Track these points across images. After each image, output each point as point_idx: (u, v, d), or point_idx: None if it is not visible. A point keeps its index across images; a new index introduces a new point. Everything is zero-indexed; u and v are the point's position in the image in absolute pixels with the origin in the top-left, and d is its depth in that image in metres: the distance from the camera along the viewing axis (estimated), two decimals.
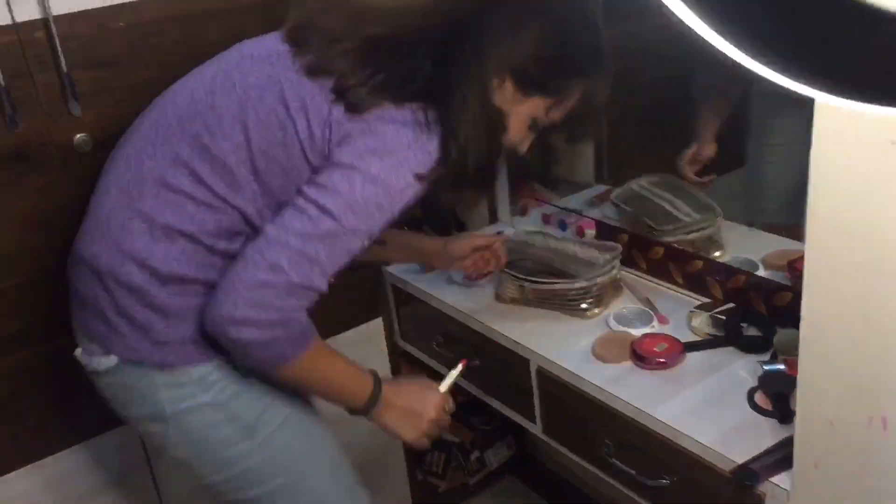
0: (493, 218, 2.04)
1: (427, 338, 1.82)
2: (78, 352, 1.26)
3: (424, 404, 1.34)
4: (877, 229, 0.90)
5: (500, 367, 1.62)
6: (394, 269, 1.87)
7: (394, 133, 1.12)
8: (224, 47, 1.29)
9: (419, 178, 1.13)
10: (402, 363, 2.03)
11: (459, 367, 1.46)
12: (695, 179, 1.74)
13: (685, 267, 1.61)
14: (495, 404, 1.69)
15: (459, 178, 1.18)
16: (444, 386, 1.41)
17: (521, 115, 1.22)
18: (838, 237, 0.94)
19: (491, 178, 1.29)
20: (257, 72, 1.17)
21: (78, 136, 1.43)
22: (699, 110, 1.78)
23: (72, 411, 1.57)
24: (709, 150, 1.74)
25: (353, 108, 1.12)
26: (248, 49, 1.23)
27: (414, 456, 2.13)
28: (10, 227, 1.42)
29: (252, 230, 1.18)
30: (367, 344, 1.94)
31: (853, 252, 0.93)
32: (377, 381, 1.28)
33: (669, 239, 1.67)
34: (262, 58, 1.19)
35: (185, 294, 1.17)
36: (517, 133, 1.25)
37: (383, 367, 2.00)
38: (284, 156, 1.14)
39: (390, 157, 1.11)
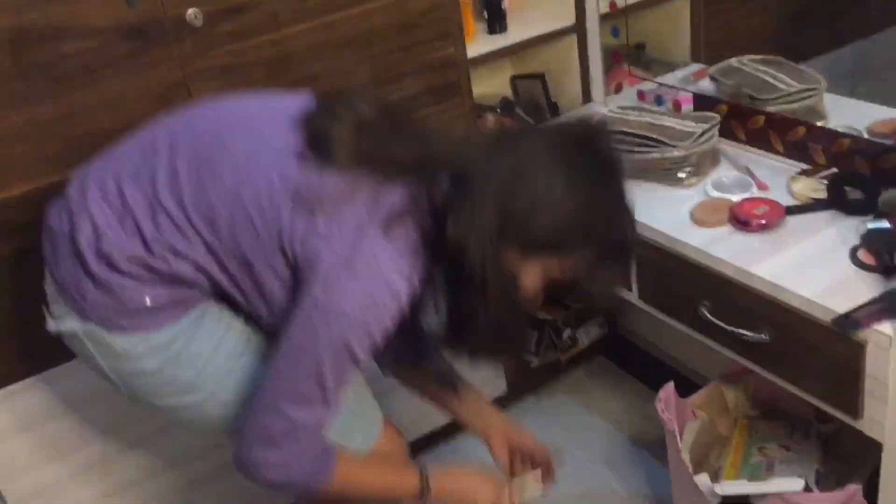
0: (588, 97, 2.04)
1: None
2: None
3: (475, 496, 1.32)
4: None
5: None
6: None
7: (369, 260, 1.07)
8: None
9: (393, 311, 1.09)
10: None
11: (536, 484, 1.40)
12: None
13: (786, 135, 1.60)
14: None
15: (492, 344, 1.17)
16: (514, 496, 1.36)
17: (533, 273, 1.12)
18: None
19: (521, 338, 1.26)
20: (263, 167, 1.12)
21: (190, 10, 1.48)
22: None
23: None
24: None
25: None
26: (279, 104, 1.21)
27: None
28: (132, 99, 1.49)
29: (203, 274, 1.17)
30: None
31: None
32: (423, 479, 1.27)
33: (770, 108, 1.65)
34: (277, 152, 1.13)
35: (117, 276, 1.16)
36: (531, 289, 1.15)
37: None
38: (260, 223, 1.11)
39: (359, 286, 1.07)
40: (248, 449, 1.14)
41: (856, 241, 1.33)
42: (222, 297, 1.21)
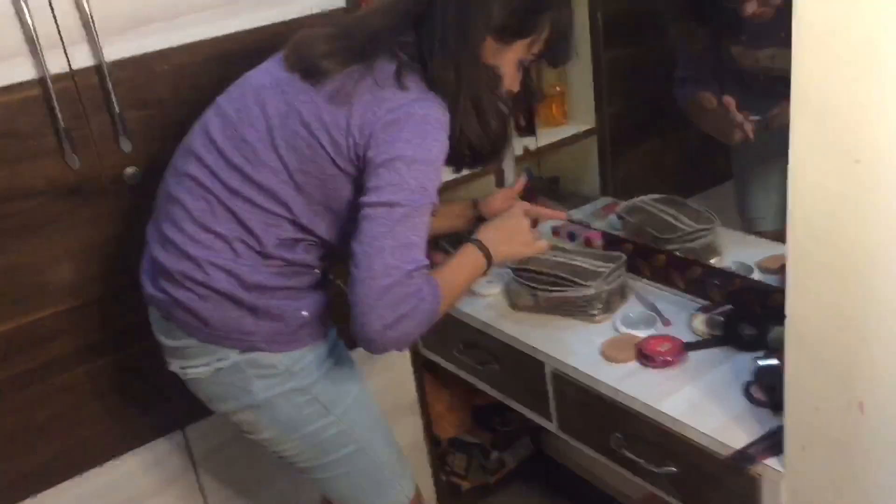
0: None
1: (448, 345, 1.95)
2: (174, 367, 1.43)
3: (514, 229, 1.50)
4: (848, 235, 1.03)
5: (517, 370, 1.75)
6: None
7: (407, 110, 1.26)
8: None
9: (443, 139, 1.29)
10: (424, 371, 2.16)
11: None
12: None
13: (686, 273, 1.74)
14: (514, 405, 1.82)
15: (481, 135, 1.35)
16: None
17: (509, 62, 1.37)
18: (815, 242, 1.07)
19: (506, 132, 1.42)
20: (273, 101, 1.32)
21: (128, 169, 1.57)
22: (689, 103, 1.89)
23: (124, 421, 1.71)
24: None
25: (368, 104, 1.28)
26: (256, 81, 1.38)
27: (437, 457, 2.25)
28: (68, 255, 1.56)
29: (308, 235, 1.35)
30: (391, 353, 2.06)
31: (828, 255, 1.06)
32: (481, 247, 1.44)
33: (671, 247, 1.80)
34: (273, 87, 1.34)
35: (266, 298, 1.34)
36: (510, 79, 1.39)
37: (406, 375, 2.13)
38: (317, 169, 1.30)
39: (416, 135, 1.26)
40: (378, 319, 1.23)
41: (749, 376, 1.45)
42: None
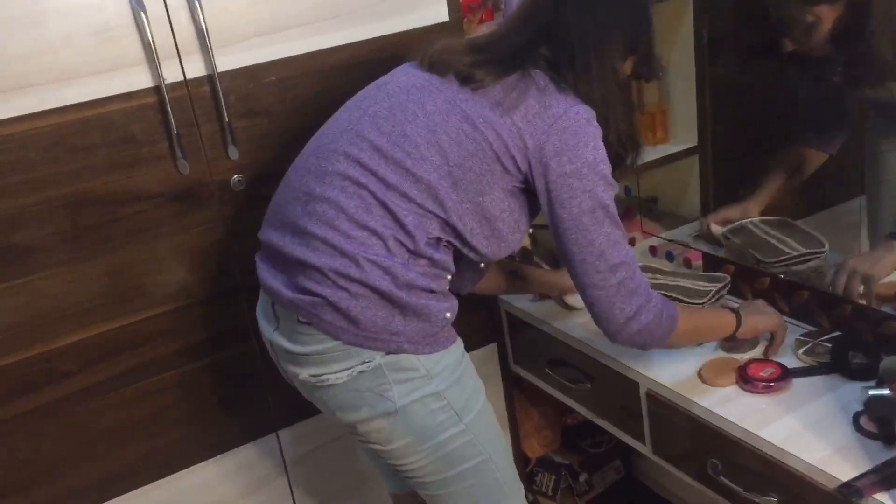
0: None
1: (539, 362, 1.93)
2: (304, 375, 1.40)
3: (764, 305, 1.64)
4: None
5: (610, 390, 1.72)
6: (507, 297, 1.99)
7: (575, 116, 1.34)
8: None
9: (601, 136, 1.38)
10: (513, 387, 2.14)
11: None
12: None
13: (791, 297, 1.68)
14: (606, 426, 1.79)
15: (622, 147, 1.43)
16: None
17: (626, 74, 1.47)
18: None
19: (638, 140, 1.50)
20: (431, 99, 1.36)
21: (234, 176, 1.62)
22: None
23: (218, 423, 1.75)
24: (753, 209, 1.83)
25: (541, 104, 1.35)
26: (404, 82, 1.42)
27: (525, 476, 2.23)
28: (175, 257, 1.62)
29: (454, 236, 1.38)
30: (482, 367, 2.05)
31: None
32: (737, 315, 1.55)
33: (775, 270, 1.74)
34: (425, 87, 1.39)
35: (416, 296, 1.35)
36: (626, 80, 1.47)
37: (496, 392, 2.12)
38: (478, 164, 1.34)
39: (590, 138, 1.35)
40: (619, 313, 1.38)
41: (858, 406, 1.39)
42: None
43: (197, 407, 1.72)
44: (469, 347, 1.94)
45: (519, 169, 1.36)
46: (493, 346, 2.08)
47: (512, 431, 2.19)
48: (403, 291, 1.33)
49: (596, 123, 1.37)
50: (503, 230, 1.41)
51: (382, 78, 1.48)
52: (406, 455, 1.42)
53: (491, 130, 1.33)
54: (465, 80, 1.38)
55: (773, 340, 1.59)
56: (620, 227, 1.39)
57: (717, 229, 1.80)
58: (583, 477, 2.24)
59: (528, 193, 1.40)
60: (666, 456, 1.63)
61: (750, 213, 1.83)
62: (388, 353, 1.35)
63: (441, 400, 1.39)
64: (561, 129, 1.33)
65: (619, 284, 1.37)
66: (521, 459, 2.23)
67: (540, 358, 1.94)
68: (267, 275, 1.41)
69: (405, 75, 1.45)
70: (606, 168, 1.37)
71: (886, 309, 1.54)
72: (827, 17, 1.54)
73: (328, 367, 1.37)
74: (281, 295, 1.37)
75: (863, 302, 1.59)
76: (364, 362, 1.35)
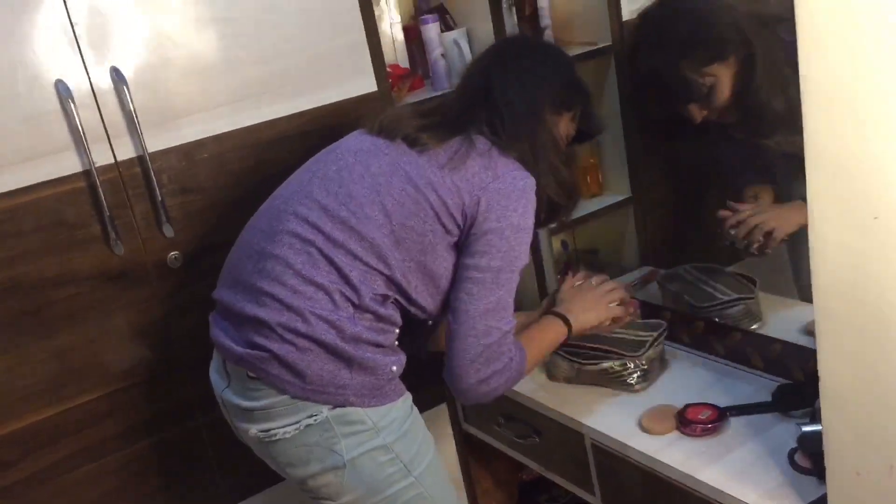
0: (543, 293, 2.17)
1: (489, 419, 1.94)
2: (253, 431, 1.41)
3: (592, 300, 1.67)
4: (872, 292, 1.02)
5: (558, 443, 1.73)
6: None
7: (512, 181, 1.41)
8: (291, 167, 1.51)
9: (535, 205, 1.44)
10: (467, 447, 2.14)
11: None
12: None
13: (725, 339, 1.72)
14: (557, 479, 1.79)
15: (558, 197, 1.51)
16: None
17: (560, 133, 1.56)
18: (840, 301, 1.06)
19: (577, 193, 1.58)
20: (376, 161, 1.42)
21: (171, 254, 1.63)
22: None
23: (170, 502, 1.73)
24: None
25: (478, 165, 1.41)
26: (352, 146, 1.49)
27: None
28: (115, 338, 1.61)
29: (398, 293, 1.41)
30: (434, 427, 2.05)
31: (854, 314, 1.05)
32: (563, 319, 1.62)
33: (710, 314, 1.78)
34: (372, 150, 1.45)
35: (362, 350, 1.37)
36: (564, 140, 1.56)
37: (450, 451, 2.11)
38: (419, 224, 1.39)
39: (521, 205, 1.41)
40: (474, 373, 1.41)
41: (794, 444, 1.41)
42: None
43: (142, 489, 1.69)
44: (420, 408, 1.94)
45: (458, 226, 1.41)
46: (443, 406, 2.09)
47: (468, 490, 2.18)
48: (350, 345, 1.35)
49: (532, 193, 1.42)
50: (447, 288, 1.45)
51: (334, 143, 1.53)
52: None
53: (432, 191, 1.39)
54: (412, 143, 1.44)
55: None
56: (512, 298, 1.43)
57: None
58: None
59: None
60: None
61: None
62: (335, 406, 1.36)
63: (389, 453, 1.40)
64: (496, 189, 1.39)
65: (486, 347, 1.40)
66: None
67: (490, 415, 1.95)
68: (219, 332, 1.44)
69: (355, 140, 1.51)
70: (528, 238, 1.42)
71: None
72: (723, 76, 1.61)
73: (276, 422, 1.38)
74: (231, 351, 1.40)
75: (759, 254, 1.69)
76: (311, 416, 1.36)
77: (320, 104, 1.76)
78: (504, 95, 1.49)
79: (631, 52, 1.91)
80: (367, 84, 1.81)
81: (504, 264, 1.40)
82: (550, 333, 1.61)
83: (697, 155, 1.89)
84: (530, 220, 1.43)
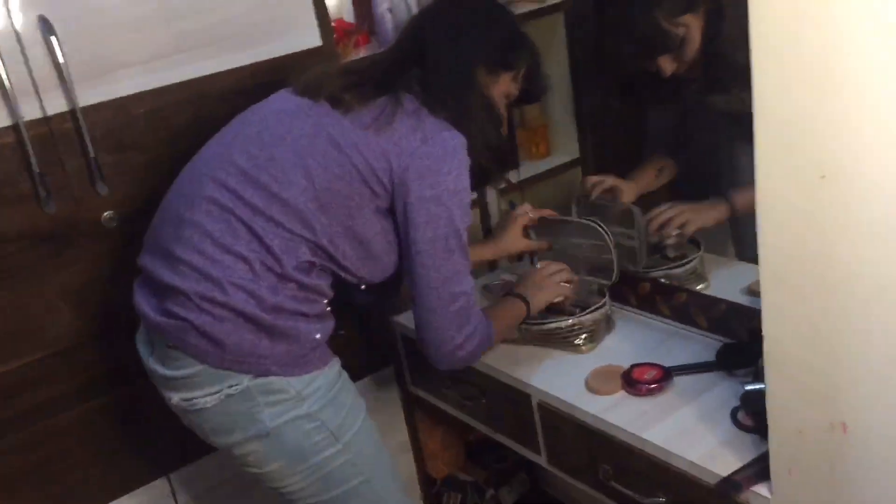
0: (493, 265, 2.16)
1: (436, 381, 1.93)
2: (175, 399, 1.39)
3: (542, 278, 1.70)
4: (817, 253, 1.02)
5: (505, 404, 1.73)
6: (402, 319, 1.99)
7: (442, 143, 1.37)
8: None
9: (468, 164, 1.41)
10: (415, 408, 2.13)
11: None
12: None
13: (671, 300, 1.73)
14: (504, 440, 1.80)
15: (488, 162, 1.46)
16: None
17: (498, 94, 1.51)
18: (785, 261, 1.06)
19: (510, 157, 1.57)
20: (299, 124, 1.37)
21: (105, 213, 1.57)
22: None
23: (110, 468, 1.69)
24: (629, 193, 1.87)
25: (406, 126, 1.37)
26: (275, 106, 1.43)
27: (431, 496, 2.22)
28: (50, 300, 1.55)
29: (326, 259, 1.38)
30: (380, 391, 2.05)
31: (799, 274, 1.05)
32: (521, 298, 1.66)
33: (656, 274, 1.79)
34: (295, 112, 1.40)
35: (283, 319, 1.34)
36: (501, 111, 1.52)
37: (397, 414, 2.11)
38: (345, 187, 1.35)
39: (454, 167, 1.38)
40: (449, 340, 1.43)
41: (736, 402, 1.43)
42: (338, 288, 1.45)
43: (80, 456, 1.65)
44: (366, 371, 1.93)
45: (385, 189, 1.37)
46: (390, 369, 2.07)
47: (415, 453, 2.17)
48: (270, 315, 1.33)
49: (464, 152, 1.39)
50: (379, 252, 1.42)
51: (257, 104, 1.48)
52: (282, 478, 1.42)
53: (357, 154, 1.34)
54: (336, 103, 1.39)
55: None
56: (468, 259, 1.44)
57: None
58: (489, 493, 2.24)
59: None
60: (561, 466, 1.65)
61: (622, 197, 1.86)
62: (257, 375, 1.34)
63: (314, 420, 1.38)
64: (425, 154, 1.35)
65: (455, 313, 1.42)
66: (426, 480, 2.21)
67: (437, 377, 1.93)
68: (140, 299, 1.41)
69: (278, 100, 1.45)
70: (467, 198, 1.40)
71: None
72: (694, 26, 1.59)
73: (197, 391, 1.36)
74: (150, 319, 1.37)
75: (670, 242, 1.77)
76: (231, 385, 1.34)
77: (262, 58, 1.70)
78: (435, 53, 1.45)
79: (596, 5, 1.86)
80: (311, 39, 1.76)
81: (449, 230, 1.39)
82: (514, 310, 1.64)
83: (649, 115, 1.89)
84: (466, 180, 1.40)
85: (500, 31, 1.49)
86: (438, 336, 1.43)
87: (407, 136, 1.36)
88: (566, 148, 2.19)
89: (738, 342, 1.60)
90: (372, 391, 2.02)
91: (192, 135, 1.61)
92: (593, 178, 1.87)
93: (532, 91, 1.58)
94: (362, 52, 1.98)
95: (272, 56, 1.71)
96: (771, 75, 0.99)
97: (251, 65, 1.69)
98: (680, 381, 1.54)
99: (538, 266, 1.76)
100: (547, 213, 1.84)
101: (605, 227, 1.76)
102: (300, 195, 1.33)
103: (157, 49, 1.58)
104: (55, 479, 1.63)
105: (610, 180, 1.85)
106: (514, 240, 1.82)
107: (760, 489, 1.23)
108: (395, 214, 1.40)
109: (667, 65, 1.61)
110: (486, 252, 1.86)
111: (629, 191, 1.85)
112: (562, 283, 1.71)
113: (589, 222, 1.78)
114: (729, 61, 1.53)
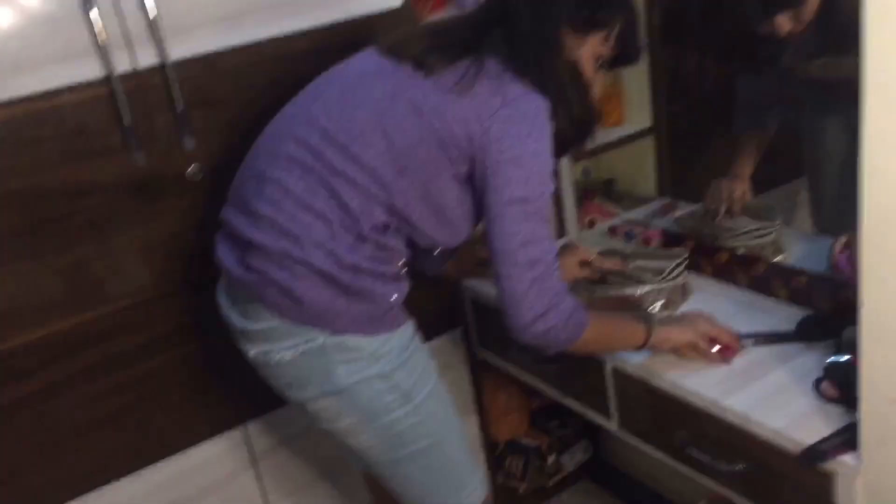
0: (561, 232, 2.16)
1: (505, 344, 1.94)
2: (253, 352, 1.43)
3: (695, 326, 1.52)
4: None
5: (576, 369, 1.73)
6: (472, 282, 2.00)
7: (524, 105, 1.33)
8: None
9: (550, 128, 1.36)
10: (480, 372, 2.15)
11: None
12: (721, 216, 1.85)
13: (749, 270, 1.71)
14: (573, 405, 1.80)
15: (569, 129, 1.40)
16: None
17: (587, 56, 1.42)
18: (888, 228, 1.04)
19: (593, 125, 1.46)
20: (380, 85, 1.36)
21: (190, 167, 1.60)
22: (737, 142, 1.89)
23: (186, 416, 1.73)
24: (740, 188, 1.83)
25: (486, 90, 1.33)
26: (358, 67, 1.43)
27: (493, 459, 2.24)
28: (134, 251, 1.59)
29: (401, 221, 1.38)
30: (447, 352, 2.07)
31: None
32: (646, 328, 1.50)
33: (734, 244, 1.77)
34: (377, 72, 1.39)
35: (360, 279, 1.35)
36: (589, 74, 1.43)
37: (463, 376, 2.12)
38: (423, 152, 1.33)
39: (535, 129, 1.33)
40: (528, 310, 1.35)
41: (819, 373, 1.41)
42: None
43: (161, 403, 1.69)
44: (434, 333, 1.94)
45: (464, 155, 1.34)
46: (457, 331, 2.08)
47: (480, 416, 2.19)
48: (347, 274, 1.34)
49: (546, 117, 1.34)
50: (454, 218, 1.42)
51: (342, 62, 1.47)
52: (354, 434, 1.45)
53: (437, 118, 1.32)
54: (418, 65, 1.37)
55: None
56: (548, 227, 1.38)
57: None
58: (551, 458, 2.25)
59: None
60: (633, 431, 1.65)
61: (736, 191, 1.84)
62: (333, 332, 1.36)
63: (388, 381, 1.40)
64: (506, 116, 1.31)
65: (534, 281, 1.34)
66: (489, 444, 2.23)
67: (505, 340, 1.93)
68: (222, 253, 1.43)
69: (361, 60, 1.45)
70: (548, 163, 1.35)
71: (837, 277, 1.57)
72: None
73: (274, 345, 1.39)
74: (232, 272, 1.40)
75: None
76: (308, 341, 1.36)
77: (343, 18, 1.70)
78: (516, 12, 1.38)
79: None
80: None
81: (528, 193, 1.33)
82: (627, 328, 1.51)
83: (740, 83, 1.85)
84: (547, 144, 1.34)
85: None
86: (516, 306, 1.36)
87: (487, 99, 1.32)
88: (640, 117, 2.17)
89: (817, 314, 1.58)
90: (439, 353, 2.03)
91: (274, 93, 1.62)
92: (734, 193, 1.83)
93: (626, 53, 1.47)
94: (439, 15, 1.98)
95: (352, 16, 1.72)
96: (883, 36, 0.96)
97: (332, 24, 1.70)
98: (758, 350, 1.52)
99: (704, 313, 1.56)
100: (610, 265, 1.77)
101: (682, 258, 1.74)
102: (378, 157, 1.33)
103: (244, 6, 1.59)
104: (138, 423, 1.68)
105: (739, 192, 1.82)
106: (569, 268, 1.77)
107: (848, 459, 1.22)
108: (475, 181, 1.38)
109: (784, 23, 1.53)
110: None
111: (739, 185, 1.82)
112: (708, 349, 1.50)
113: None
114: (845, 21, 1.48)
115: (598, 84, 1.46)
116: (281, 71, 1.65)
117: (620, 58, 1.46)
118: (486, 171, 1.34)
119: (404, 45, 1.41)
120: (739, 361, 1.50)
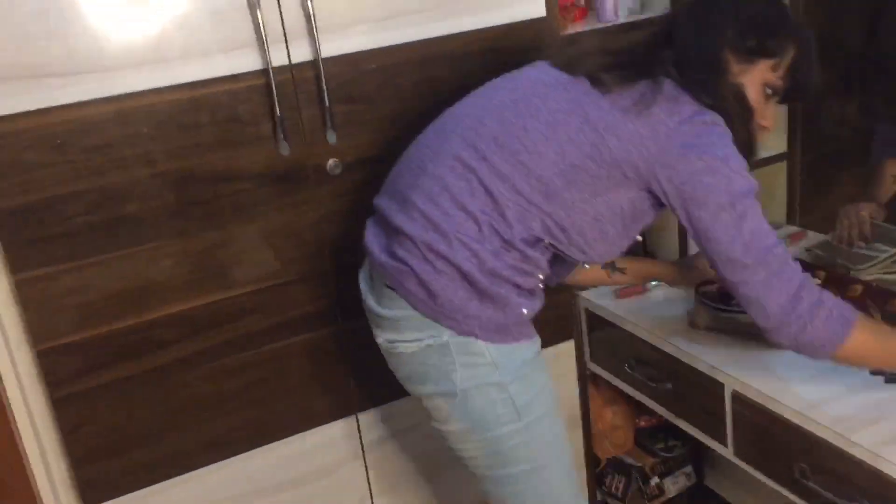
0: (683, 251, 2.13)
1: (619, 360, 1.93)
2: (381, 339, 1.48)
3: None
4: None
5: (693, 390, 1.71)
6: (587, 294, 2.00)
7: (701, 118, 1.32)
8: (454, 87, 1.50)
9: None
10: (588, 387, 2.14)
11: None
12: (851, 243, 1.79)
13: (885, 305, 1.65)
14: (686, 427, 1.78)
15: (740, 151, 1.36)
16: None
17: (754, 82, 1.39)
18: None
19: (751, 151, 1.42)
20: (556, 97, 1.38)
21: (331, 160, 1.66)
22: (876, 171, 1.83)
23: (302, 400, 1.79)
24: (876, 211, 1.77)
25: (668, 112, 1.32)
26: (532, 76, 1.45)
27: (595, 476, 2.23)
28: (271, 236, 1.66)
29: (560, 231, 1.38)
30: (558, 364, 2.07)
31: None
32: None
33: (867, 277, 1.71)
34: (553, 84, 1.40)
35: (497, 285, 1.36)
36: (755, 99, 1.40)
37: (572, 390, 2.12)
38: (595, 167, 1.34)
39: (713, 134, 1.33)
40: (776, 309, 1.33)
41: None
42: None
43: (285, 384, 1.76)
44: (545, 343, 1.95)
45: (640, 176, 1.34)
46: (569, 343, 2.08)
47: (584, 431, 2.19)
48: (486, 277, 1.35)
49: (725, 127, 1.34)
50: (612, 235, 1.42)
51: (514, 71, 1.50)
52: (461, 440, 1.45)
53: (612, 136, 1.33)
54: (595, 81, 1.37)
55: None
56: (765, 221, 1.34)
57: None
58: (654, 481, 2.23)
59: (647, 202, 1.39)
60: (747, 458, 1.61)
61: (872, 213, 1.80)
62: (459, 333, 1.38)
63: (503, 392, 1.40)
64: (686, 131, 1.31)
65: (769, 276, 1.32)
66: (591, 460, 2.22)
67: (619, 356, 1.93)
68: (371, 237, 1.47)
69: (536, 70, 1.47)
70: (740, 162, 1.33)
71: None
72: None
73: (401, 335, 1.42)
74: (375, 257, 1.43)
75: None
76: (433, 336, 1.38)
77: (488, 25, 1.74)
78: (681, 35, 1.39)
79: None
80: (535, 9, 1.78)
81: (732, 197, 1.31)
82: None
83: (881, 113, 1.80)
84: (732, 148, 1.33)
85: (752, 12, 1.39)
86: (762, 307, 1.34)
87: (664, 120, 1.31)
88: (774, 142, 2.12)
89: None
90: (549, 364, 2.04)
91: (415, 94, 1.69)
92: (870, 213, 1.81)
93: (797, 87, 1.43)
94: (579, 27, 2.00)
95: (496, 24, 1.75)
96: None
97: (475, 30, 1.73)
98: (891, 388, 1.47)
99: None
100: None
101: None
102: (548, 168, 1.34)
103: (393, 8, 1.64)
104: (259, 402, 1.75)
105: (866, 215, 1.79)
106: (704, 270, 1.78)
107: None
108: (650, 204, 1.38)
109: None
110: (668, 273, 1.88)
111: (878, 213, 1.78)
112: None
113: None
114: None
115: (766, 113, 1.43)
116: (423, 73, 1.70)
117: (791, 91, 1.43)
118: (682, 188, 1.32)
119: (580, 62, 1.42)
120: (871, 396, 1.45)
